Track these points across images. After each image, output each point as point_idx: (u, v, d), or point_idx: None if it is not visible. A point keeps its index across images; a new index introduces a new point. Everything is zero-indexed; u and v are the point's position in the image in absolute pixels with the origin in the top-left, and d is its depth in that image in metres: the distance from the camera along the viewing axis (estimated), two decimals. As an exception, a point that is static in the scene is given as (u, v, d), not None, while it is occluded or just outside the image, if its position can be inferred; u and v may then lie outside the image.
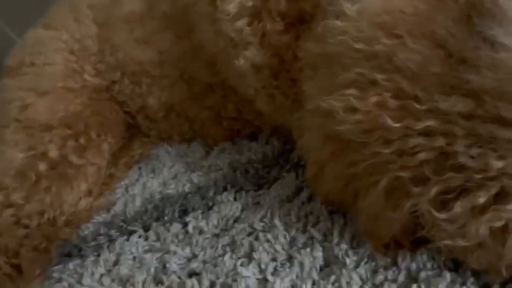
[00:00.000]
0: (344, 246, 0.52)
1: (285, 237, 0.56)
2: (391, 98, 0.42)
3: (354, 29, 0.44)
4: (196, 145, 0.80)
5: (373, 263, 0.50)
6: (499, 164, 0.37)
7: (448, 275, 0.46)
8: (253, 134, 0.76)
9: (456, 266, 0.47)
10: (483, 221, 0.38)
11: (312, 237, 0.55)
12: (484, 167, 0.37)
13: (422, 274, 0.47)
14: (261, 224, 0.59)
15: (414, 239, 0.46)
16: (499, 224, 0.38)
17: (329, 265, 0.53)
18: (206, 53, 0.68)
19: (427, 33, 0.40)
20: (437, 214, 0.40)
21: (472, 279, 0.45)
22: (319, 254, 0.53)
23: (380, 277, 0.48)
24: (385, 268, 0.49)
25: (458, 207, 0.39)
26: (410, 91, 0.40)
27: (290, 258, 0.54)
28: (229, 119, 0.75)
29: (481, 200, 0.38)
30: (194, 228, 0.64)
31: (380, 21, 0.42)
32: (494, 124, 0.37)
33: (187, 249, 0.61)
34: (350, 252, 0.52)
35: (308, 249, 0.53)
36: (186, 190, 0.70)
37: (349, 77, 0.44)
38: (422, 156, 0.40)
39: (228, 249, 0.58)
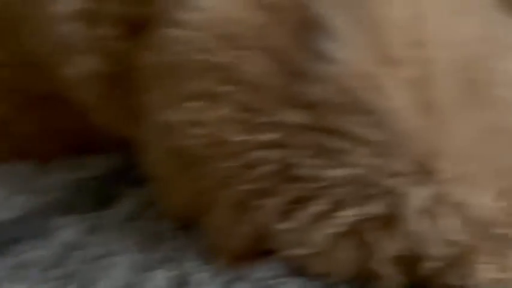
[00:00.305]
0: (195, 263, 0.50)
1: (126, 262, 0.52)
2: (234, 111, 0.41)
3: (195, 39, 0.42)
4: (23, 164, 0.71)
5: (226, 277, 0.49)
6: (334, 173, 0.38)
7: (297, 281, 0.47)
8: (93, 148, 0.70)
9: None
10: (321, 229, 0.40)
11: (159, 258, 0.52)
12: (321, 176, 0.38)
13: (273, 282, 0.47)
14: (103, 249, 0.54)
15: (264, 249, 0.46)
16: (335, 230, 0.39)
17: (182, 284, 0.50)
18: (31, 59, 0.61)
19: (266, 45, 0.40)
20: (278, 225, 0.40)
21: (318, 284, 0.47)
22: (169, 274, 0.51)
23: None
24: (238, 280, 0.49)
25: (298, 217, 0.40)
26: (251, 104, 0.40)
27: (137, 284, 0.50)
28: (62, 132, 0.67)
29: (319, 208, 0.39)
30: (27, 259, 0.56)
31: (221, 32, 0.41)
32: (329, 135, 0.38)
33: (23, 285, 0.53)
34: (202, 268, 0.50)
35: (156, 272, 0.50)
36: (13, 217, 0.61)
37: (191, 89, 0.42)
38: (264, 169, 0.40)
39: (66, 281, 0.52)
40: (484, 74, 0.38)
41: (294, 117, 0.38)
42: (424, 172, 0.37)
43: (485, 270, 0.40)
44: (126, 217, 0.57)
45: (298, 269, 0.48)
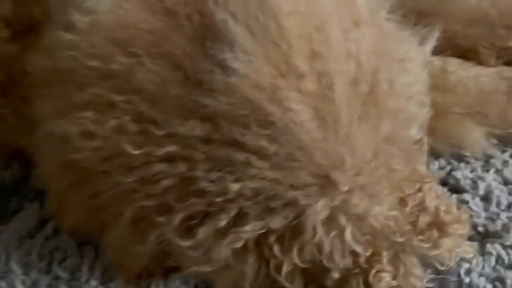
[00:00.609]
0: (94, 283, 0.46)
1: (23, 283, 0.47)
2: (130, 121, 0.38)
3: (87, 44, 0.39)
4: None
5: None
6: (236, 186, 0.37)
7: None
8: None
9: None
10: (225, 244, 0.38)
11: (57, 277, 0.48)
12: (223, 190, 0.37)
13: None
14: (1, 268, 0.49)
15: (167, 266, 0.44)
16: (239, 244, 0.38)
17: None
18: None
19: (164, 52, 0.38)
20: (181, 242, 0.38)
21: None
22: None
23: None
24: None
25: (201, 232, 0.38)
26: (149, 115, 0.38)
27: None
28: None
29: (222, 223, 0.38)
30: None
31: (115, 37, 0.38)
32: (230, 147, 0.36)
33: None
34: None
35: (55, 291, 0.46)
36: None
37: (84, 97, 0.39)
38: (165, 183, 0.38)
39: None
40: (381, 87, 0.39)
41: (194, 129, 0.36)
42: (325, 184, 0.37)
43: (385, 278, 0.41)
44: (25, 233, 0.52)
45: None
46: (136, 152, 0.38)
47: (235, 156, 0.36)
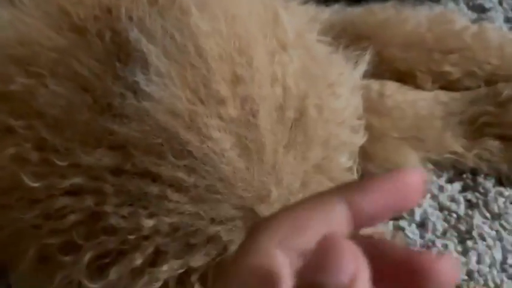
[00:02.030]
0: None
1: None
2: (31, 150, 0.33)
3: (-16, 62, 0.34)
4: None
5: None
6: (151, 222, 0.32)
7: None
8: None
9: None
10: (141, 285, 0.33)
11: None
12: (136, 226, 0.32)
13: None
14: None
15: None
16: (157, 285, 0.34)
17: None
18: None
19: (70, 73, 0.33)
20: (91, 284, 0.33)
21: None
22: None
23: None
24: None
25: (114, 273, 0.33)
26: (52, 142, 0.33)
27: None
28: None
29: (137, 262, 0.33)
30: None
31: (14, 55, 0.33)
32: (142, 180, 0.32)
33: None
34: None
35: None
36: None
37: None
38: (71, 219, 0.33)
39: None
40: (310, 112, 0.35)
41: (102, 159, 0.32)
42: (249, 218, 0.33)
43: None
44: None
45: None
46: (38, 184, 0.33)
47: (149, 189, 0.32)
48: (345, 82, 0.38)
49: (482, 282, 0.43)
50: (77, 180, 0.32)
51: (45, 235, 0.34)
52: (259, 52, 0.34)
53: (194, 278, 0.35)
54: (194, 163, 0.32)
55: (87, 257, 0.33)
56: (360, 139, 0.40)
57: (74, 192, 0.33)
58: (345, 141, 0.37)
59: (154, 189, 0.32)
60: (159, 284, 0.34)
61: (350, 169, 0.38)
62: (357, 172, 0.39)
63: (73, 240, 0.33)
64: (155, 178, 0.32)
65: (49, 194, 0.33)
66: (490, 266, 0.44)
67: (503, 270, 0.44)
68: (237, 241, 0.33)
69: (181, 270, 0.34)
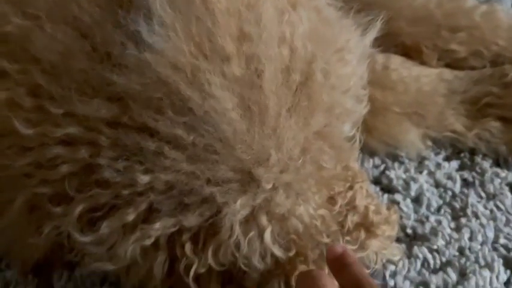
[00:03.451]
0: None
1: None
2: (25, 95, 0.31)
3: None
4: None
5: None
6: (146, 178, 0.30)
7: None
8: None
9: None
10: (132, 241, 0.32)
11: None
12: (131, 181, 0.30)
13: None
14: None
15: (67, 260, 0.37)
16: (148, 242, 0.32)
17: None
18: None
19: (68, 17, 0.30)
20: (81, 237, 0.32)
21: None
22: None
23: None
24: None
25: (105, 227, 0.32)
26: (47, 89, 0.31)
27: None
28: None
29: (130, 217, 0.31)
30: None
31: (12, -5, 0.31)
32: (139, 134, 0.30)
33: None
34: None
35: None
36: None
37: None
38: (63, 169, 0.31)
39: None
40: (316, 77, 0.34)
41: (99, 109, 0.30)
42: (246, 181, 0.32)
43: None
44: None
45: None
46: (30, 131, 0.31)
47: (146, 144, 0.30)
48: (353, 49, 0.36)
49: (473, 259, 0.42)
50: (72, 130, 0.30)
51: (35, 184, 0.32)
52: (268, 9, 0.31)
53: (186, 237, 0.34)
54: (194, 121, 0.30)
55: (79, 209, 0.32)
56: (363, 110, 0.39)
57: (67, 142, 0.31)
58: (349, 109, 0.36)
59: (151, 144, 0.30)
60: (151, 241, 0.33)
61: (352, 138, 0.37)
62: (360, 142, 0.37)
63: (65, 191, 0.31)
64: (153, 133, 0.30)
65: (42, 143, 0.31)
66: (481, 244, 0.43)
67: (495, 249, 0.43)
68: (232, 204, 0.32)
69: (173, 229, 0.32)
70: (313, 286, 0.31)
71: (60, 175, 0.31)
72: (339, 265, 0.33)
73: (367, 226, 0.38)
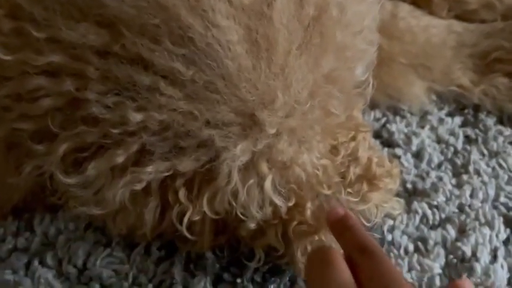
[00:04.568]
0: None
1: None
2: (3, 16, 0.27)
3: None
4: None
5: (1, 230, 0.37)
6: (139, 116, 0.27)
7: (90, 237, 0.38)
8: None
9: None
10: (122, 184, 0.29)
11: None
12: (122, 119, 0.27)
13: (61, 238, 0.37)
14: None
15: (51, 203, 0.35)
16: (139, 186, 0.30)
17: None
18: None
19: None
20: (66, 178, 0.29)
21: (117, 239, 0.38)
22: None
23: (8, 246, 0.37)
24: (17, 235, 0.37)
25: (92, 169, 0.29)
26: (28, 10, 0.27)
27: None
28: None
29: (120, 159, 0.28)
30: None
31: None
32: (133, 66, 0.27)
33: None
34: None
35: None
36: None
37: None
38: (46, 103, 0.28)
39: None
40: (331, 12, 0.30)
41: (87, 35, 0.26)
42: (249, 124, 0.29)
43: (306, 232, 0.35)
44: None
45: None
46: (9, 57, 0.27)
47: (140, 78, 0.27)
48: (371, -16, 0.32)
49: (473, 216, 0.41)
50: (56, 58, 0.27)
51: (14, 119, 0.29)
52: None
53: (179, 182, 0.31)
54: (194, 53, 0.26)
55: (63, 148, 0.29)
56: (374, 54, 0.36)
57: (51, 72, 0.27)
58: (360, 52, 0.33)
59: (145, 78, 0.27)
60: (142, 185, 0.30)
61: (363, 83, 0.34)
62: (373, 87, 0.35)
63: (47, 127, 0.28)
64: (147, 66, 0.27)
65: (21, 71, 0.27)
66: (482, 202, 0.42)
67: (495, 207, 0.42)
68: (232, 148, 0.29)
69: (166, 174, 0.30)
70: (324, 263, 0.28)
71: (43, 109, 0.28)
72: (341, 227, 0.31)
73: (369, 178, 0.36)
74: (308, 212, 0.34)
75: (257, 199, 0.32)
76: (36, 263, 0.36)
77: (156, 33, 0.26)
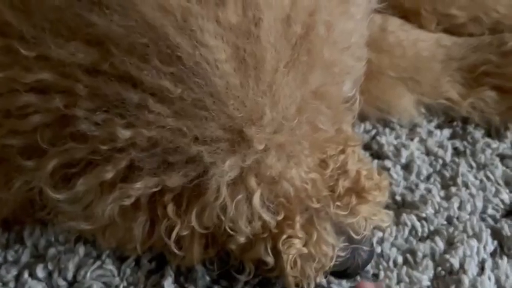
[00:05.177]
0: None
1: None
2: None
3: None
4: None
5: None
6: (127, 133, 0.27)
7: (81, 249, 0.38)
8: None
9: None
10: (111, 200, 0.29)
11: None
12: (110, 136, 0.27)
13: (52, 251, 0.37)
14: None
15: (40, 217, 0.35)
16: (128, 201, 0.29)
17: None
18: None
19: None
20: (55, 194, 0.29)
21: (107, 252, 0.38)
22: None
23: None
24: (6, 247, 0.37)
25: (81, 184, 0.29)
26: (17, 28, 0.27)
27: None
28: None
29: (108, 175, 0.28)
30: None
31: None
32: (121, 84, 0.27)
33: None
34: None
35: None
36: None
37: None
38: (35, 119, 0.28)
39: None
40: (318, 30, 0.30)
41: (76, 54, 0.26)
42: (237, 140, 0.29)
43: (295, 245, 0.35)
44: None
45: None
46: None
47: (128, 95, 0.27)
48: (359, 2, 0.33)
49: (461, 228, 0.41)
50: (45, 75, 0.27)
51: (4, 135, 0.29)
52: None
53: (168, 198, 0.31)
54: (182, 72, 0.27)
55: (52, 163, 0.29)
56: (362, 69, 0.36)
57: (40, 89, 0.27)
58: (349, 68, 0.33)
59: (134, 96, 0.27)
60: (130, 200, 0.30)
61: (351, 99, 0.34)
62: (359, 103, 0.35)
63: (36, 143, 0.28)
64: (136, 84, 0.27)
65: (10, 88, 0.27)
66: (470, 214, 0.42)
67: (483, 219, 0.42)
68: (220, 164, 0.29)
69: (155, 189, 0.30)
70: None
71: (32, 126, 0.28)
72: None
73: (358, 191, 0.36)
74: (297, 226, 0.34)
75: (246, 214, 0.32)
76: (26, 275, 0.36)
77: (145, 51, 0.26)
